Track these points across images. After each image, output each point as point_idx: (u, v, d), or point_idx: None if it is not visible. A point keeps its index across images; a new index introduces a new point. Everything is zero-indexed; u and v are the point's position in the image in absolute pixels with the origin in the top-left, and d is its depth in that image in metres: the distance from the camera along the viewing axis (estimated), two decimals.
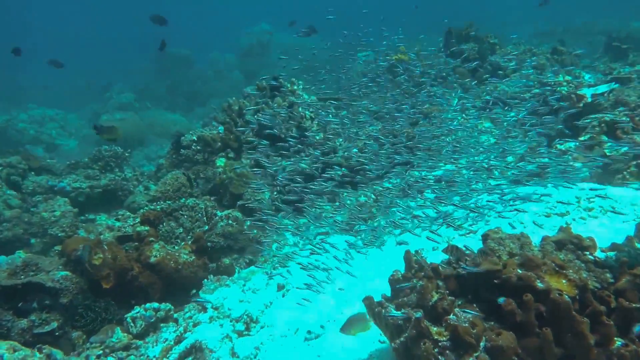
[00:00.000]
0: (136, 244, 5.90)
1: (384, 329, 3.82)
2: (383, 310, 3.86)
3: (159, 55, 28.32)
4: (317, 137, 7.45)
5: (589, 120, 5.50)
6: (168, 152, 9.75)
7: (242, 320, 4.96)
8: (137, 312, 5.27)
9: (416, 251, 4.25)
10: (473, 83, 8.83)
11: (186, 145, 8.52)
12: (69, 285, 5.20)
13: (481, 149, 5.88)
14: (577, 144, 5.20)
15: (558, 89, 6.62)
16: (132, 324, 5.20)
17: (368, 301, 4.15)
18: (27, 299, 4.87)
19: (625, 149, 4.91)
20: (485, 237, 3.97)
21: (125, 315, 5.26)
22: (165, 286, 5.67)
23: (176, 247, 6.14)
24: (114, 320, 5.33)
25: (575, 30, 21.20)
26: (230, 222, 6.50)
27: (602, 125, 5.32)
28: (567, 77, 6.88)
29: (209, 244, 6.33)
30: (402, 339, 3.35)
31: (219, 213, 6.72)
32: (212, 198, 7.14)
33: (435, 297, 3.46)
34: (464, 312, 3.32)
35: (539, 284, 3.09)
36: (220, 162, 7.60)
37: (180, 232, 6.49)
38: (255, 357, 4.55)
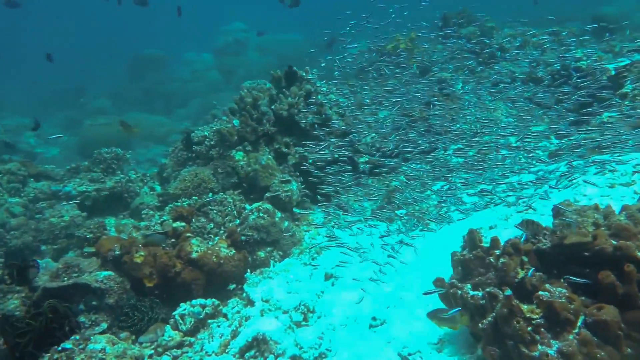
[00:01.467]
0: (173, 240, 5.79)
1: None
2: (459, 292, 3.74)
3: (133, 58, 27.80)
4: (340, 125, 7.48)
5: (630, 88, 5.72)
6: (172, 151, 9.59)
7: (299, 311, 4.92)
8: (185, 309, 5.18)
9: (475, 230, 4.27)
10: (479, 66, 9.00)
11: (198, 142, 8.39)
12: (113, 286, 5.07)
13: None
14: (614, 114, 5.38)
15: (579, 63, 6.87)
16: (180, 322, 5.11)
17: (440, 283, 4.05)
18: (74, 301, 4.73)
19: None
20: (556, 211, 3.88)
21: (173, 313, 5.17)
22: (207, 282, 5.59)
23: (210, 243, 6.05)
24: (159, 319, 5.22)
25: (548, 18, 21.71)
26: (261, 214, 6.44)
27: None
28: (586, 51, 7.14)
29: (242, 237, 6.27)
30: (489, 319, 3.27)
31: (247, 207, 6.66)
32: (236, 192, 7.06)
33: (522, 273, 3.40)
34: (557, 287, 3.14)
35: None
36: (239, 155, 7.52)
37: (212, 227, 6.41)
38: (319, 347, 4.50)
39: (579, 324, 2.96)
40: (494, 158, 5.63)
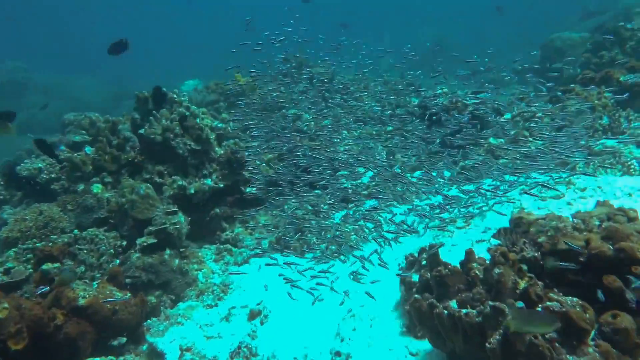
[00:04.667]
0: (42, 288, 4.50)
1: (445, 332, 3.36)
2: (445, 311, 3.38)
3: None
4: (219, 151, 7.06)
5: (508, 116, 6.80)
6: None
7: (241, 355, 4.27)
8: None
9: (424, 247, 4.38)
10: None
11: (30, 176, 6.88)
12: None
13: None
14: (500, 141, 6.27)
15: (439, 100, 7.94)
16: None
17: (417, 303, 3.62)
18: None
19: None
20: (517, 221, 3.90)
21: None
22: (97, 335, 4.45)
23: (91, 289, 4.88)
24: None
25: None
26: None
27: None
28: (444, 90, 8.34)
29: (127, 280, 5.26)
30: (497, 337, 2.93)
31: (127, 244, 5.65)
32: (101, 229, 5.93)
33: (522, 283, 3.20)
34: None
35: None
36: (96, 188, 6.40)
37: (82, 270, 5.21)
38: None
39: (592, 335, 2.80)
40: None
